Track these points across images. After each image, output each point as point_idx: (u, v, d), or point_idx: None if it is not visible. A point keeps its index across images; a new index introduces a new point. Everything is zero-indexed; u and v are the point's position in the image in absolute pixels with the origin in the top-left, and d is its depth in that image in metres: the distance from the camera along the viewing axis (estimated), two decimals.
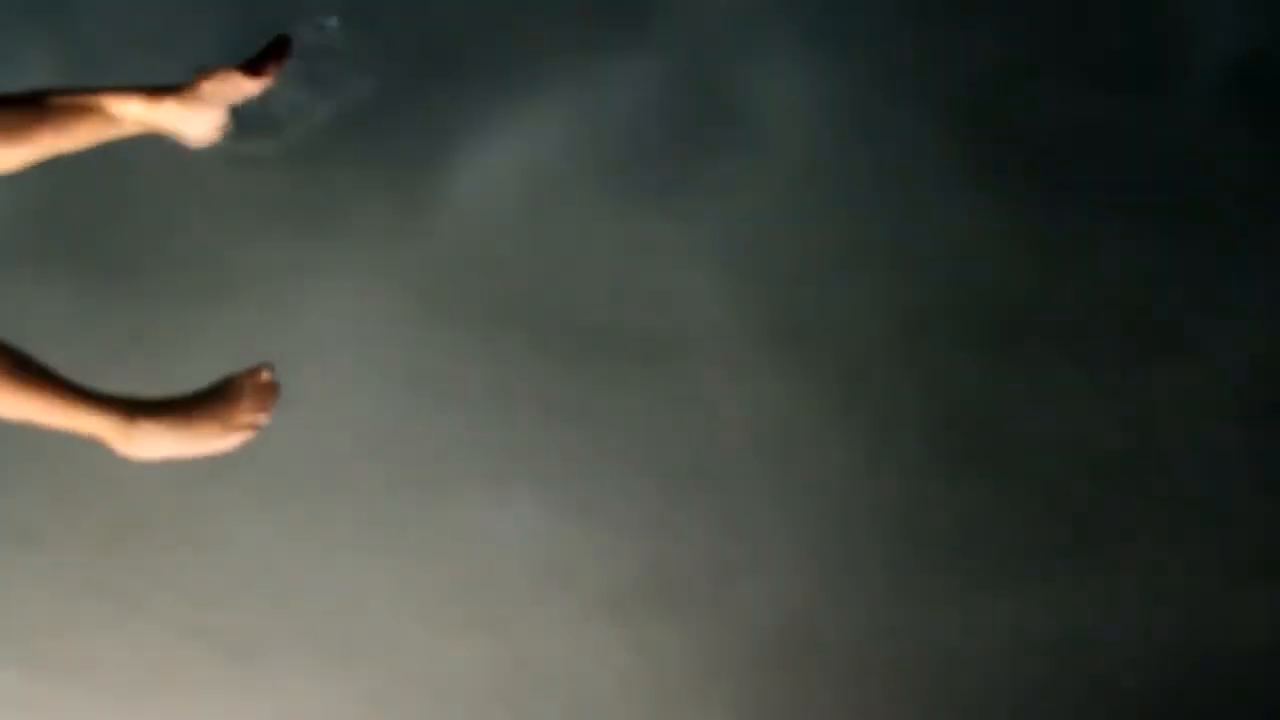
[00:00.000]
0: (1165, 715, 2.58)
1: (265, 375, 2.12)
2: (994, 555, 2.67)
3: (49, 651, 2.58)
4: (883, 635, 2.63)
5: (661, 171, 2.75)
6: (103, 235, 2.66)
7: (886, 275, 2.74)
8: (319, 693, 2.60)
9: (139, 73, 2.30)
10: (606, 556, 2.66)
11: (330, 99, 2.45)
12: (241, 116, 2.23)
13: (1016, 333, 2.71)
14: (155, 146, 2.27)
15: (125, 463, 2.32)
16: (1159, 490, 2.63)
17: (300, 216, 2.68)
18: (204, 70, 2.21)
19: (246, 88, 2.29)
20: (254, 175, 2.65)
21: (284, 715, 2.59)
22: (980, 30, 2.67)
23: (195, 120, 2.28)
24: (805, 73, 2.70)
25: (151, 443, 2.07)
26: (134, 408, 2.04)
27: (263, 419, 2.11)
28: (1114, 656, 2.62)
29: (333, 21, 2.41)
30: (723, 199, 2.75)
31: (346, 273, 2.69)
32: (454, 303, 2.70)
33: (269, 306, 2.63)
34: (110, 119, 2.24)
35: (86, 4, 2.71)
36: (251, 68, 2.28)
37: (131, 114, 2.24)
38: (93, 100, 2.21)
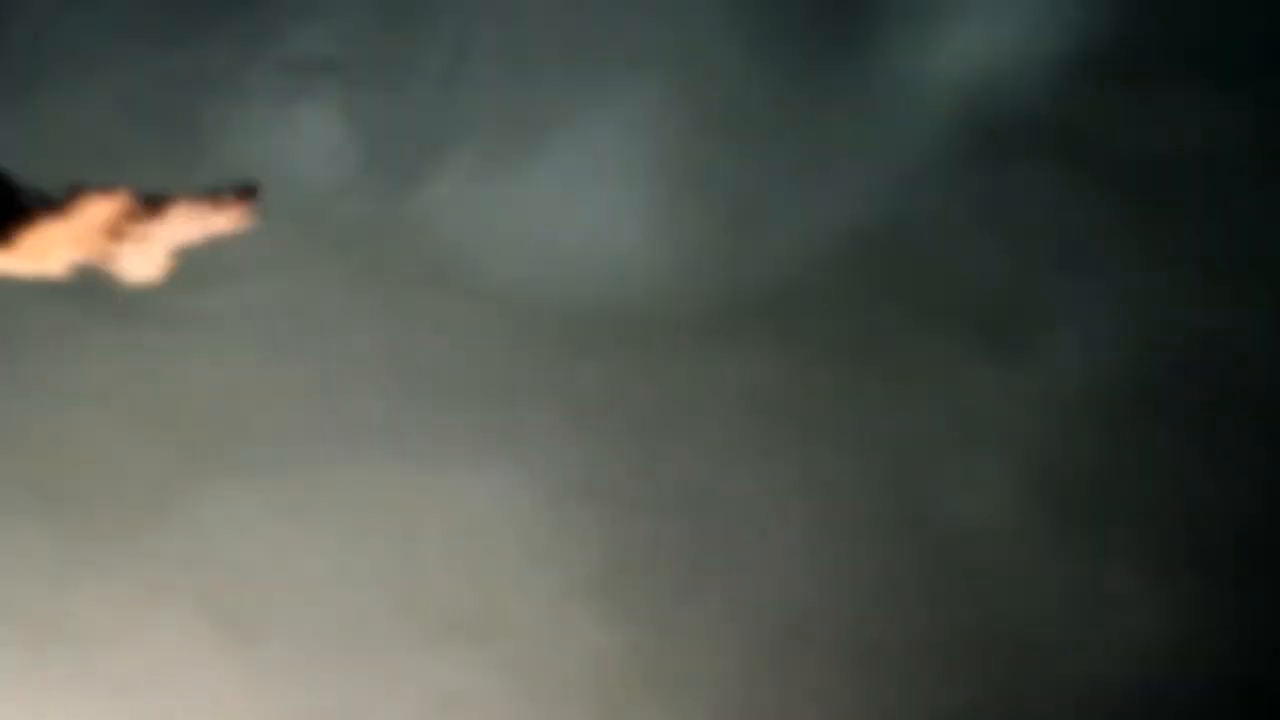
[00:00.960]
0: None
1: (125, 198, 1.99)
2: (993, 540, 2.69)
3: (43, 630, 2.59)
4: (877, 615, 2.64)
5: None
6: None
7: (885, 260, 2.75)
8: (302, 667, 2.61)
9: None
10: (588, 536, 2.67)
11: None
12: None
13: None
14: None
15: (118, 441, 2.32)
16: None
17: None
18: (171, 197, 2.12)
19: (211, 227, 2.19)
20: None
21: (270, 689, 2.60)
22: None
23: (144, 252, 2.19)
24: None
25: None
26: None
27: (120, 250, 1.99)
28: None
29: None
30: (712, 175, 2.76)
31: (331, 257, 2.69)
32: (435, 284, 2.71)
33: (258, 296, 2.64)
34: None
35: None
36: (223, 206, 2.18)
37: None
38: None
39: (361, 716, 2.63)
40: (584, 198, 2.70)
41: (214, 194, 2.15)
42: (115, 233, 2.12)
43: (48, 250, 2.09)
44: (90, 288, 2.38)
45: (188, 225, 2.16)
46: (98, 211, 2.06)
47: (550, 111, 2.68)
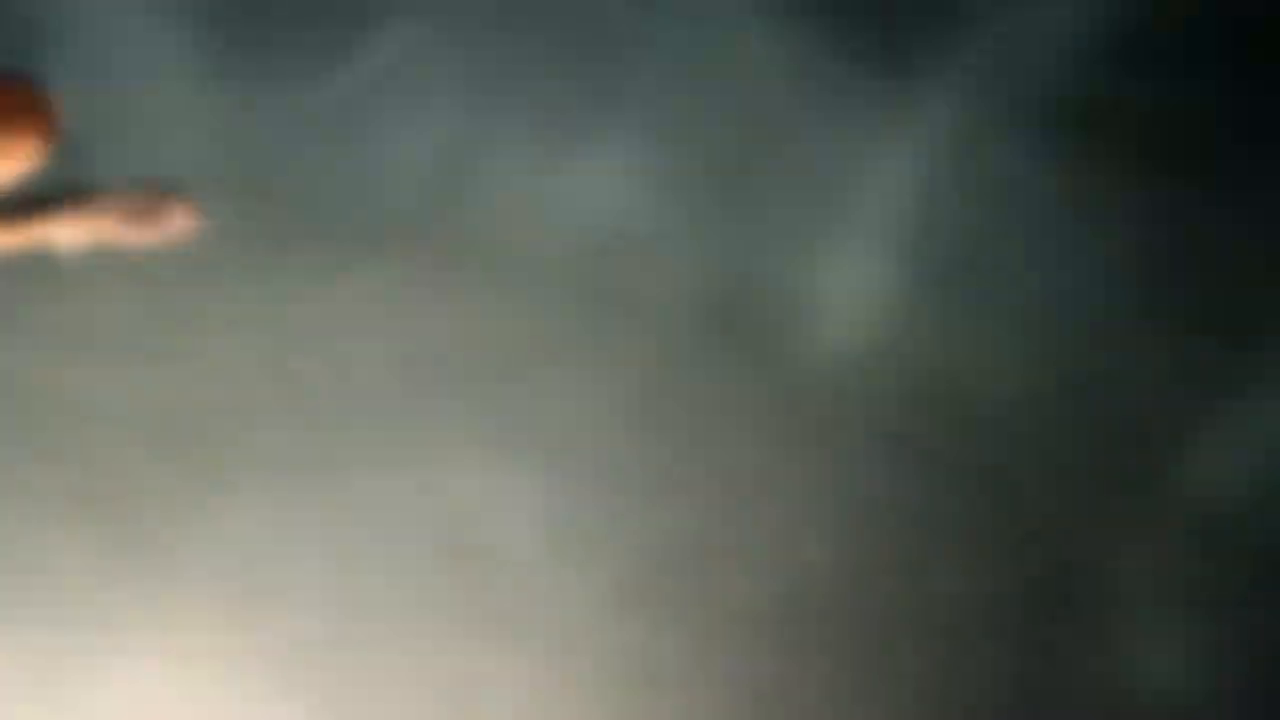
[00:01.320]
0: None
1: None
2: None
3: (45, 604, 2.59)
4: (904, 607, 2.63)
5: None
6: None
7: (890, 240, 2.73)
8: (321, 658, 2.61)
9: None
10: (615, 531, 2.66)
11: None
12: None
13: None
14: None
15: (120, 428, 2.30)
16: None
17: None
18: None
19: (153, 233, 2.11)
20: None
21: (286, 680, 2.60)
22: None
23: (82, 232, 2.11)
24: None
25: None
26: None
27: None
28: None
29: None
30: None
31: (343, 247, 2.68)
32: (457, 268, 2.69)
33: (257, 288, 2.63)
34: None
35: None
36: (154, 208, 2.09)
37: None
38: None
39: (381, 709, 2.64)
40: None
41: (149, 193, 2.05)
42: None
43: None
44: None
45: (117, 224, 2.07)
46: None
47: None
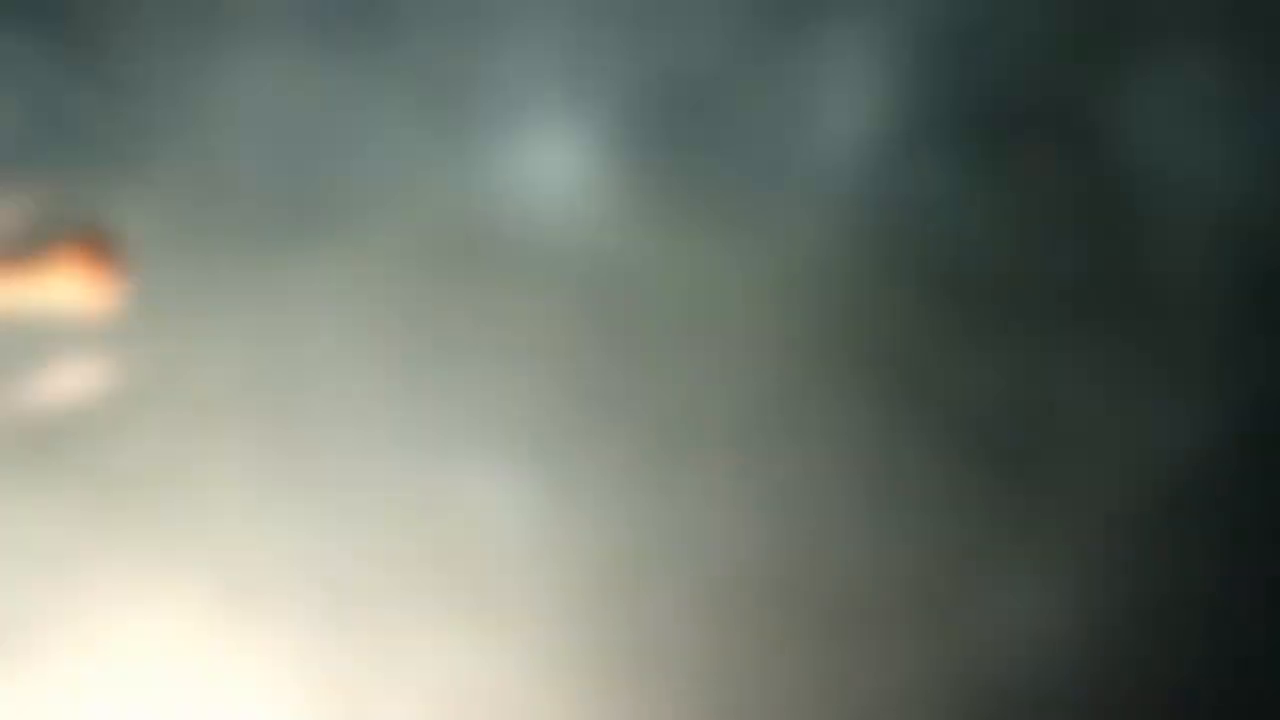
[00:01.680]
0: None
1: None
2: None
3: (41, 602, 2.58)
4: (868, 598, 2.62)
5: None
6: None
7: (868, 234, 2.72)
8: (310, 646, 2.61)
9: None
10: (592, 526, 2.63)
11: None
12: None
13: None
14: None
15: (116, 417, 2.26)
16: None
17: None
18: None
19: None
20: None
21: (276, 675, 2.61)
22: None
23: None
24: None
25: None
26: None
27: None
28: None
29: None
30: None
31: (343, 236, 2.65)
32: (451, 264, 2.66)
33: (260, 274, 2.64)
34: None
35: None
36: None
37: None
38: None
39: (367, 699, 2.61)
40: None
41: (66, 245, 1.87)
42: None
43: None
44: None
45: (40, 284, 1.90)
46: None
47: None
